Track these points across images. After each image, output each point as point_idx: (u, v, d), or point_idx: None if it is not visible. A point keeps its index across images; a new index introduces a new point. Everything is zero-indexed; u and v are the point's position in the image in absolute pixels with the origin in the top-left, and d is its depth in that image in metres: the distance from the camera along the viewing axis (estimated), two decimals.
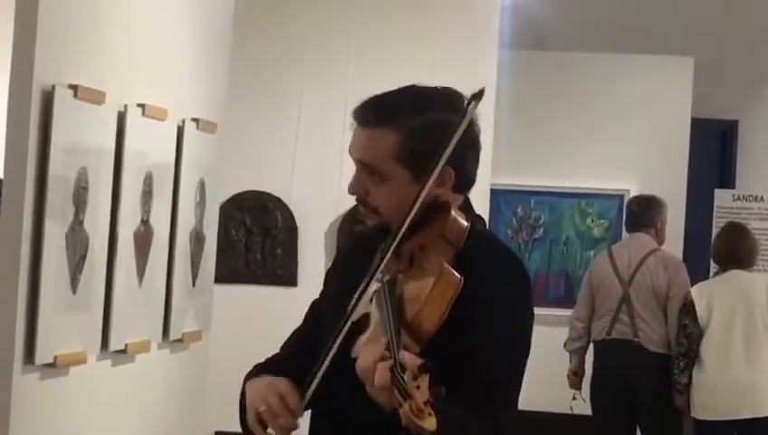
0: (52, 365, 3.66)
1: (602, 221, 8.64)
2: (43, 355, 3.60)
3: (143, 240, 4.25)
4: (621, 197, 8.38)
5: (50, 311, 3.61)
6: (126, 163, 4.04)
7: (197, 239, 4.77)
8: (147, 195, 4.25)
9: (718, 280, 6.60)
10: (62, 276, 3.69)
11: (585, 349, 6.96)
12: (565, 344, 6.98)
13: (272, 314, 6.16)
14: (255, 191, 6.68)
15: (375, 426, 2.16)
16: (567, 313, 7.23)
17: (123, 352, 4.16)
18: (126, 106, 4.05)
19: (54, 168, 3.58)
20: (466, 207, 2.43)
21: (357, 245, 2.55)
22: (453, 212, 2.32)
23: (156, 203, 4.32)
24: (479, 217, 2.47)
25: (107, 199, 3.95)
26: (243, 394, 2.49)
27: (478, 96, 2.28)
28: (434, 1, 6.70)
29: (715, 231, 7.88)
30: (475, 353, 2.23)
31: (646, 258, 6.76)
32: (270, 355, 2.59)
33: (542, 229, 8.66)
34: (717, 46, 8.99)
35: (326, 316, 2.48)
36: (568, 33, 8.81)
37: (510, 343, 2.30)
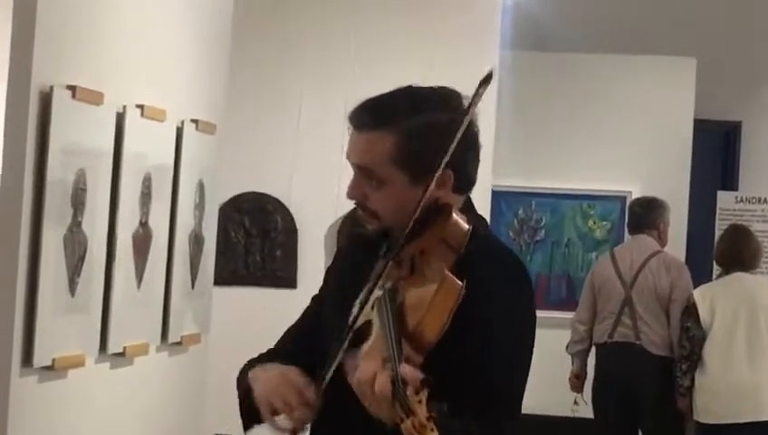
0: (50, 368, 3.65)
1: (604, 223, 8.62)
2: (41, 358, 3.58)
3: (142, 242, 4.23)
4: (623, 198, 8.37)
5: (48, 313, 3.60)
6: (125, 164, 4.03)
7: (196, 241, 4.76)
8: (145, 196, 4.23)
9: (721, 282, 6.58)
10: (61, 279, 3.67)
11: (587, 352, 6.95)
12: (567, 347, 6.96)
13: (271, 317, 6.08)
14: (255, 193, 6.67)
15: (379, 429, 2.14)
16: (569, 315, 7.21)
17: (122, 354, 4.14)
18: (125, 107, 4.04)
19: (52, 169, 3.56)
20: (468, 208, 2.41)
21: (357, 244, 2.53)
22: (454, 215, 2.30)
23: (155, 205, 4.30)
24: (481, 217, 2.45)
25: (105, 201, 3.94)
26: (243, 388, 2.46)
27: (486, 81, 2.24)
28: (434, 1, 6.69)
29: (717, 233, 7.88)
30: (477, 357, 2.22)
31: (648, 260, 6.75)
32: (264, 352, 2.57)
33: (543, 231, 8.65)
34: (720, 46, 8.97)
35: (325, 314, 2.48)
36: (569, 33, 8.79)
37: (513, 345, 2.29)
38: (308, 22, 6.65)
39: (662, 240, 6.89)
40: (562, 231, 8.64)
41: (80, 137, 3.73)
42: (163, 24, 4.45)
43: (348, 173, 2.43)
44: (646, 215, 6.91)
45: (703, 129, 9.05)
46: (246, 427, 2.49)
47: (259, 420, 2.43)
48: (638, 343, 6.69)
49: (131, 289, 4.17)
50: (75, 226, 3.73)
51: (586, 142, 8.60)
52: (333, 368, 2.27)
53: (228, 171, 5.52)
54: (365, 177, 2.36)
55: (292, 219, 6.64)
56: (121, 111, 4.02)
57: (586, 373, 6.97)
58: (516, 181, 8.44)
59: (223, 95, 5.09)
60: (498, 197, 8.05)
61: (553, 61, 8.69)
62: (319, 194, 6.47)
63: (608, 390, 6.76)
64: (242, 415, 2.48)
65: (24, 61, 3.49)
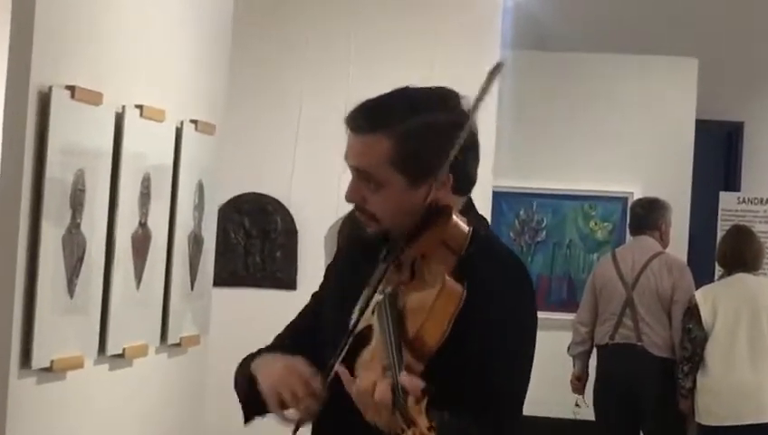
0: (48, 370, 3.64)
1: (606, 224, 8.61)
2: (39, 359, 3.57)
3: (141, 243, 4.22)
4: (625, 199, 8.36)
5: (47, 314, 3.59)
6: (124, 165, 4.01)
7: (196, 242, 4.74)
8: (145, 197, 4.22)
9: (723, 283, 6.56)
10: (59, 280, 3.66)
11: (588, 353, 6.93)
12: (568, 349, 6.95)
13: (271, 318, 6.04)
14: (255, 193, 6.65)
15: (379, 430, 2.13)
16: (570, 316, 7.20)
17: (121, 356, 4.13)
18: (124, 107, 4.03)
19: (51, 169, 3.55)
20: (469, 209, 2.39)
21: (356, 246, 2.51)
22: (454, 217, 2.28)
23: (154, 205, 4.29)
24: (482, 218, 2.44)
25: (104, 202, 3.93)
26: (245, 379, 2.44)
27: (497, 69, 2.21)
28: (434, 1, 6.68)
29: (719, 234, 7.87)
30: (478, 358, 2.21)
31: (650, 261, 6.73)
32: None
33: (544, 232, 8.63)
34: (722, 47, 8.96)
35: (324, 314, 2.47)
36: (570, 33, 8.78)
37: (514, 347, 2.28)
38: (308, 22, 6.64)
39: (664, 241, 6.87)
40: (564, 232, 8.63)
41: (79, 137, 3.72)
42: (163, 24, 4.44)
43: (348, 174, 2.41)
44: (647, 216, 6.89)
45: (705, 129, 9.03)
46: (248, 419, 2.47)
47: (261, 412, 2.41)
48: (639, 344, 6.68)
49: (130, 290, 4.16)
50: (74, 226, 3.72)
51: (587, 143, 8.59)
52: (341, 358, 2.24)
53: (228, 172, 5.51)
54: (363, 179, 2.34)
55: (292, 220, 6.63)
56: (120, 111, 4.00)
57: (587, 375, 6.95)
58: (517, 182, 8.43)
59: (223, 95, 5.08)
60: (499, 197, 8.03)
61: (554, 61, 8.68)
62: (319, 195, 6.45)
63: (609, 391, 6.75)
64: (243, 407, 2.46)
65: (22, 61, 3.49)
